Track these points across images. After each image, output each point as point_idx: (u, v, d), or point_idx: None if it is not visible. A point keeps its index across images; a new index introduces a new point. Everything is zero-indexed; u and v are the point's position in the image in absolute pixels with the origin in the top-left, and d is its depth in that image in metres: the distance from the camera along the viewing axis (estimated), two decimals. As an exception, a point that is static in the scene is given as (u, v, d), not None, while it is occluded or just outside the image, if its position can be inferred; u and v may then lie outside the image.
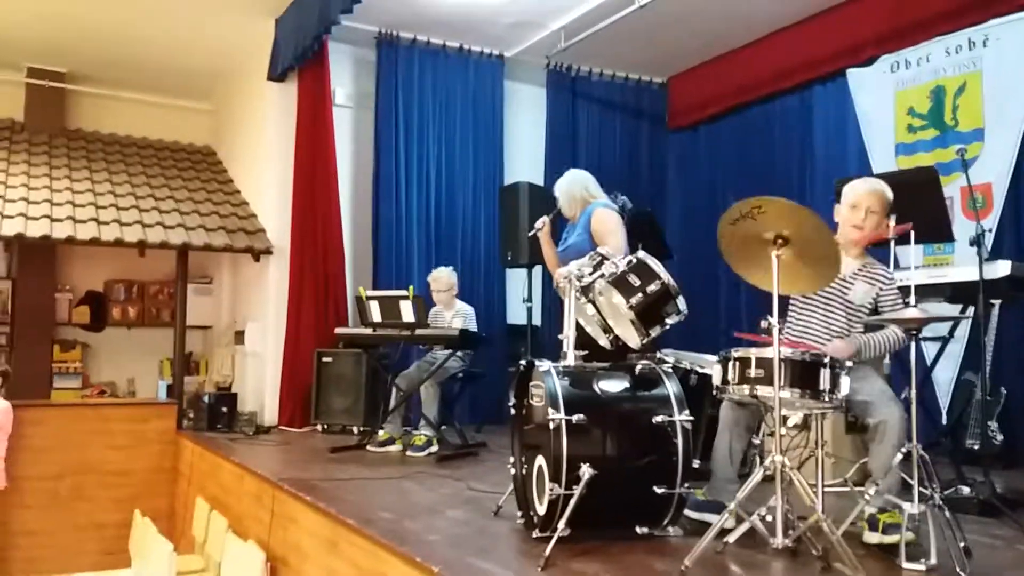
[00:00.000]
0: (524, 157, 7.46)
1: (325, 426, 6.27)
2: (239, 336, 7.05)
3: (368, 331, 5.40)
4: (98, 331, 7.65)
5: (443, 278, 5.78)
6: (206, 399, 6.40)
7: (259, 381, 6.72)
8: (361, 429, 5.92)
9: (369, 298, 5.35)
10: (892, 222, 3.64)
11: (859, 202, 3.17)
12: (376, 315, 5.30)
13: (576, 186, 4.46)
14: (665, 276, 3.06)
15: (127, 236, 6.37)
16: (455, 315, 5.72)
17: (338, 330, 5.86)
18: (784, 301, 3.21)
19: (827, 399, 2.70)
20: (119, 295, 7.70)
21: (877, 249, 3.71)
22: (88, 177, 7.15)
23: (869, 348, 3.03)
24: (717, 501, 3.14)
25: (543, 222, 4.56)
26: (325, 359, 6.31)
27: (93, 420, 6.20)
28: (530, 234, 4.67)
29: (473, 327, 5.63)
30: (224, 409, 6.36)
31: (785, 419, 2.85)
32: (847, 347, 2.99)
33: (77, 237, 6.22)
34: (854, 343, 3.02)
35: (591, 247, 4.27)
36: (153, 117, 8.28)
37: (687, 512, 3.06)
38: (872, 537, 2.77)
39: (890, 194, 3.21)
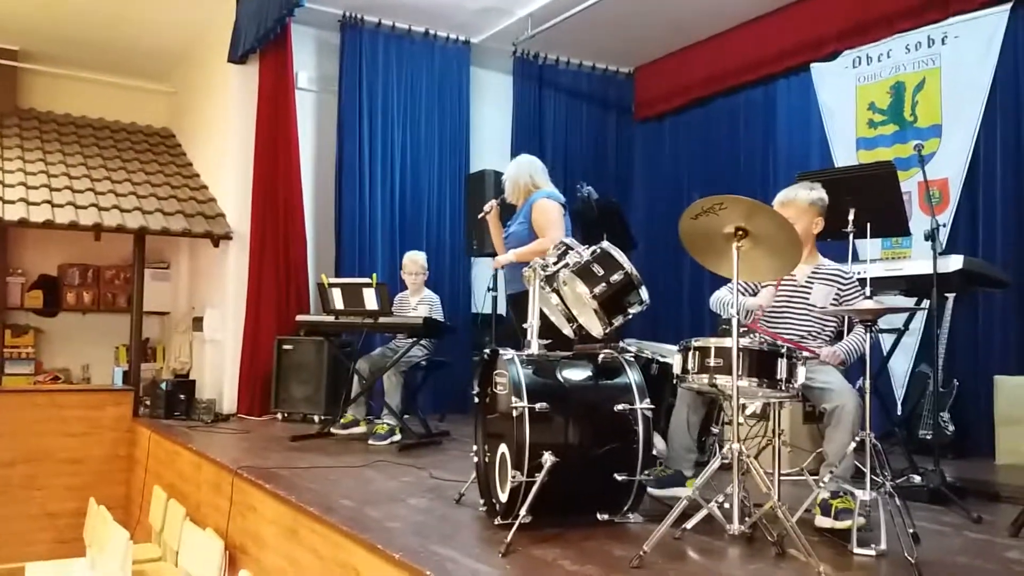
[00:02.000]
0: (490, 145, 7.42)
1: (285, 415, 6.21)
2: (197, 323, 6.93)
3: (330, 318, 5.34)
4: (51, 316, 7.48)
5: (419, 260, 5.75)
6: (163, 386, 6.29)
7: (218, 368, 6.62)
8: (322, 418, 5.87)
9: (331, 285, 5.29)
10: (851, 215, 3.72)
11: None
12: (338, 302, 5.25)
13: (522, 173, 4.47)
14: (628, 266, 3.08)
15: (82, 219, 6.22)
16: (420, 302, 5.68)
17: (299, 317, 5.77)
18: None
19: (784, 388, 2.74)
20: (73, 279, 7.52)
21: (837, 243, 3.78)
22: (41, 159, 6.95)
23: (852, 354, 3.14)
24: (677, 472, 3.23)
25: (491, 205, 4.58)
26: (286, 346, 6.24)
27: (46, 406, 6.07)
28: (480, 216, 4.69)
29: (439, 316, 5.60)
30: (182, 396, 6.26)
31: (743, 407, 2.90)
32: (836, 357, 3.11)
33: (30, 219, 6.05)
34: (841, 353, 3.13)
35: (530, 237, 4.30)
36: (110, 98, 8.08)
37: (650, 491, 3.12)
38: (824, 521, 2.82)
39: (809, 195, 3.23)
